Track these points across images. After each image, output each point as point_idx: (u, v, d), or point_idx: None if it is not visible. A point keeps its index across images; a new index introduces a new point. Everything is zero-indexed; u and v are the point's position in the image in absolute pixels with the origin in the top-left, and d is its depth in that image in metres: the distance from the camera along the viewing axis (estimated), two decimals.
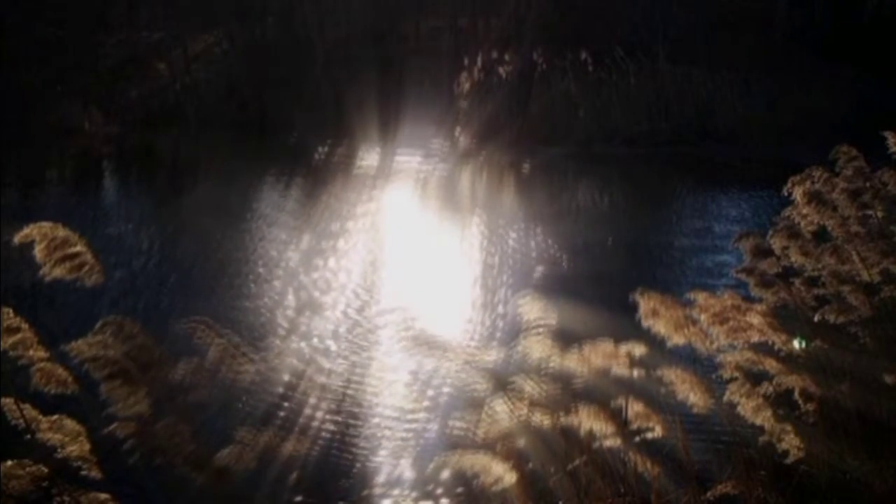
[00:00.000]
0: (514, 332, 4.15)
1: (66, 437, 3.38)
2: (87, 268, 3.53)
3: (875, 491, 4.52)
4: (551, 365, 4.11)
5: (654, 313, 4.02)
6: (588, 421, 3.94)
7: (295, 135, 23.66)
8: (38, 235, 3.56)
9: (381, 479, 6.58)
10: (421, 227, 15.57)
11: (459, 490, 5.90)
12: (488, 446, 3.93)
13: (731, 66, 22.49)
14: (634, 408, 4.04)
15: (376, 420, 7.56)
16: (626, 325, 4.14)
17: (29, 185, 18.07)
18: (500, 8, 26.34)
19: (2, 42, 25.08)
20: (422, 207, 17.12)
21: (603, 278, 10.96)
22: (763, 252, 5.31)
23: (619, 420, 3.99)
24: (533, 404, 4.05)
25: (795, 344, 4.79)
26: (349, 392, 8.06)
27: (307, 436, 7.11)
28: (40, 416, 3.41)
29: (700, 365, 4.29)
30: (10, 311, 3.48)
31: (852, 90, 21.15)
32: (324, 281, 11.77)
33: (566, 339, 4.14)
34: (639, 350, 4.05)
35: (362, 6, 27.64)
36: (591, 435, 3.98)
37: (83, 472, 3.36)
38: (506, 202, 17.27)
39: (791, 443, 4.24)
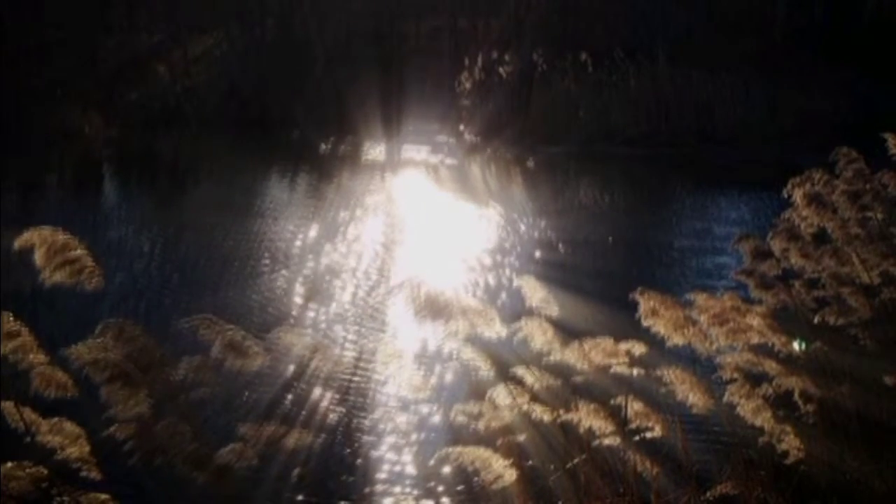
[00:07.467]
0: (512, 317, 4.13)
1: (65, 439, 3.39)
2: (87, 272, 3.53)
3: (875, 491, 4.52)
4: (551, 361, 4.11)
5: (654, 313, 4.02)
6: (588, 419, 3.93)
7: (297, 133, 23.72)
8: (38, 240, 3.56)
9: (381, 473, 6.60)
10: (427, 218, 15.78)
11: (460, 487, 5.92)
12: (488, 442, 3.93)
13: (731, 68, 22.48)
14: (634, 407, 4.04)
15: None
16: (625, 323, 4.14)
17: (29, 188, 18.05)
18: (499, 8, 26.36)
19: (2, 45, 25.10)
20: (427, 201, 17.30)
21: (602, 277, 10.97)
22: (763, 254, 5.29)
23: (619, 419, 3.99)
24: (532, 402, 4.04)
25: (795, 345, 4.78)
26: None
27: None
28: (40, 419, 3.41)
29: (700, 365, 4.28)
30: (10, 315, 3.48)
31: (852, 91, 21.13)
32: (344, 260, 12.54)
33: (565, 336, 4.14)
34: (638, 349, 4.05)
35: (362, 6, 27.69)
36: (590, 434, 3.98)
37: (83, 474, 3.36)
38: (507, 198, 17.26)
39: (791, 443, 4.23)
